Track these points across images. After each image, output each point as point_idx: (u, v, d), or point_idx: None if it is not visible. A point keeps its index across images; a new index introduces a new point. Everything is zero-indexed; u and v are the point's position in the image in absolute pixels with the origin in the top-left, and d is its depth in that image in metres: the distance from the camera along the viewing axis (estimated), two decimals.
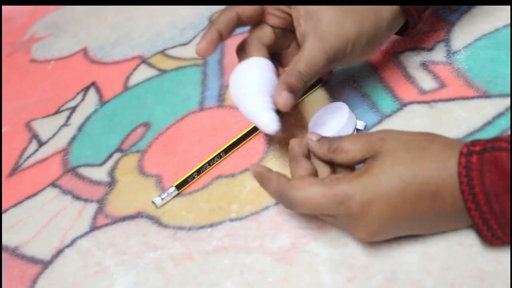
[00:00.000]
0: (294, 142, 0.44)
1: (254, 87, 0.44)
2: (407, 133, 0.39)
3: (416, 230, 0.39)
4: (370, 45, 0.46)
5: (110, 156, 0.60)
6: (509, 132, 0.45)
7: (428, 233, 0.40)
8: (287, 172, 0.43)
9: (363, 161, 0.40)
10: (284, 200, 0.40)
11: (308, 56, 0.44)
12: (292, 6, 0.47)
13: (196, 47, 0.46)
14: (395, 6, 0.46)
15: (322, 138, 0.43)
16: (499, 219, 0.35)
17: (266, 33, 0.48)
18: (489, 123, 0.46)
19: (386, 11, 0.46)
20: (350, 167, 0.42)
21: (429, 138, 0.38)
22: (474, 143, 0.36)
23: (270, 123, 0.42)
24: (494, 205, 0.34)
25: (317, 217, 0.44)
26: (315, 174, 0.42)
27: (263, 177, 0.42)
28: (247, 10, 0.47)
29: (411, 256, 0.40)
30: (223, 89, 0.62)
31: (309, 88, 0.56)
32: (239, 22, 0.47)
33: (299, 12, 0.46)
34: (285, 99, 0.43)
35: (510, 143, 0.34)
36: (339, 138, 0.41)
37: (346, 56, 0.45)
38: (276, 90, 0.43)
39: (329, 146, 0.41)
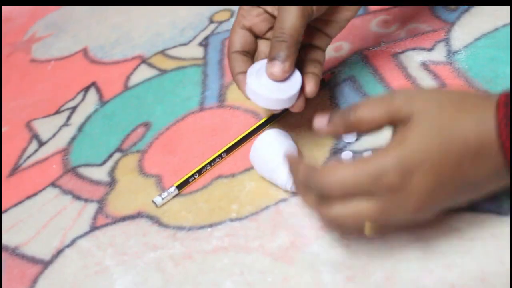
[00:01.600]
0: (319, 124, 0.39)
1: (279, 158, 0.45)
2: (434, 90, 0.36)
3: (461, 197, 0.36)
4: None
5: (110, 156, 0.60)
6: None
7: (470, 200, 0.37)
8: None
9: (390, 124, 0.36)
10: (314, 188, 0.36)
11: (280, 17, 0.43)
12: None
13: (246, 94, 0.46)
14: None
15: (332, 116, 0.38)
16: None
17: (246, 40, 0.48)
18: None
19: None
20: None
21: (462, 93, 0.35)
22: (509, 94, 0.34)
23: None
24: None
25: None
26: None
27: (291, 166, 0.39)
28: (241, 42, 0.47)
29: (412, 256, 0.40)
30: (223, 89, 0.62)
31: None
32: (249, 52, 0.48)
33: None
34: (277, 69, 0.43)
35: None
36: (353, 108, 0.37)
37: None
38: (267, 64, 0.43)
39: (345, 121, 0.37)
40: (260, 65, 0.45)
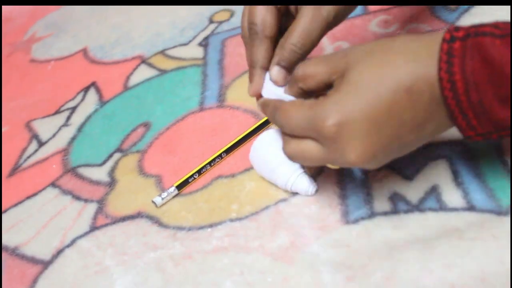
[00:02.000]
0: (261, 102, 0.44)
1: (279, 159, 0.45)
2: (371, 41, 0.37)
3: (405, 140, 0.36)
4: None
5: (110, 156, 0.60)
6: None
7: (417, 142, 0.37)
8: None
9: (332, 83, 0.38)
10: (278, 125, 0.41)
11: (302, 24, 0.42)
12: None
13: (250, 90, 0.45)
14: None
15: (281, 69, 0.42)
16: (476, 108, 0.33)
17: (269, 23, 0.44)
18: None
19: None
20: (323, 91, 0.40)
21: (393, 38, 0.36)
22: (457, 28, 0.34)
23: (308, 188, 0.46)
24: (472, 94, 0.33)
25: (317, 217, 0.44)
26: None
27: (263, 104, 0.43)
28: (274, 27, 0.43)
29: (412, 256, 0.40)
30: (223, 89, 0.62)
31: None
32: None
33: None
34: (275, 74, 0.43)
35: (496, 27, 0.33)
36: (302, 64, 0.40)
37: (345, 15, 0.44)
38: (273, 68, 0.43)
39: (294, 75, 0.40)
40: None
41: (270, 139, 0.48)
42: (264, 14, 0.43)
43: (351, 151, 0.35)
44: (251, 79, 0.45)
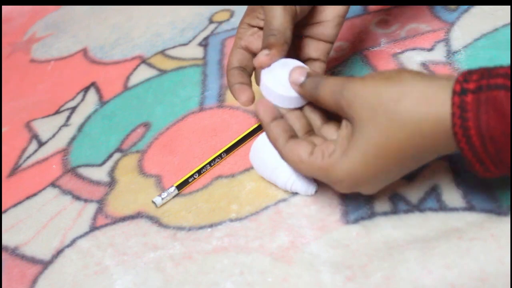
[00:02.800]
0: (259, 108, 0.43)
1: (279, 159, 0.44)
2: (374, 91, 0.37)
3: (406, 171, 0.39)
4: None
5: (110, 156, 0.60)
6: None
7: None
8: None
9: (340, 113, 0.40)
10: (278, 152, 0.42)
11: (273, 13, 0.44)
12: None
13: (242, 101, 0.46)
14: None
15: (308, 80, 0.42)
16: (493, 157, 0.34)
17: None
18: None
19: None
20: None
21: (398, 97, 0.35)
22: (467, 78, 0.34)
23: (307, 188, 0.46)
24: (489, 146, 0.33)
25: (317, 217, 0.44)
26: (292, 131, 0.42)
27: (265, 128, 0.43)
28: (255, 42, 0.47)
29: (411, 256, 0.40)
30: (223, 89, 0.62)
31: None
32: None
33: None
34: (263, 56, 0.43)
35: (509, 78, 0.32)
36: (322, 83, 0.40)
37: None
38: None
39: (312, 92, 0.41)
40: (275, 65, 0.45)
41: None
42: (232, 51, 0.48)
43: (364, 191, 0.40)
44: (240, 91, 0.46)
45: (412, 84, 0.35)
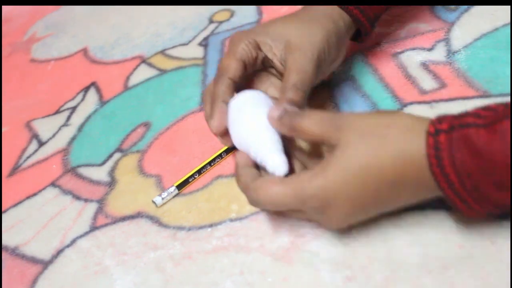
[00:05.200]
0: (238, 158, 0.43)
1: (259, 125, 0.42)
2: (365, 119, 0.38)
3: (384, 210, 0.40)
4: (337, 46, 0.48)
5: (110, 156, 0.60)
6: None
7: (396, 209, 0.40)
8: None
9: (323, 143, 0.40)
10: (249, 198, 0.41)
11: (295, 67, 0.45)
12: (260, 42, 0.48)
13: (212, 126, 0.46)
14: (347, 16, 0.48)
15: (285, 114, 0.41)
16: (473, 194, 0.34)
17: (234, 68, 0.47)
18: None
19: (341, 21, 0.48)
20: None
21: (389, 123, 0.37)
22: (440, 119, 0.35)
23: (279, 166, 0.40)
24: (467, 183, 0.34)
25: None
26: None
27: (236, 170, 0.43)
28: (238, 72, 0.47)
29: (411, 255, 0.40)
30: None
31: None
32: (236, 85, 0.47)
33: (267, 44, 0.47)
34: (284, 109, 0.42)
35: (476, 117, 0.34)
36: (300, 116, 0.40)
37: (326, 58, 0.47)
38: (275, 107, 0.42)
39: (290, 125, 0.40)
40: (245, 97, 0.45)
41: (255, 100, 0.44)
42: (229, 61, 0.47)
43: (333, 222, 0.40)
44: (212, 115, 0.46)
45: (403, 116, 0.37)
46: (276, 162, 0.40)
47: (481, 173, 0.33)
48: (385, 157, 0.36)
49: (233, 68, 0.46)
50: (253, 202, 0.41)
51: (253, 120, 0.43)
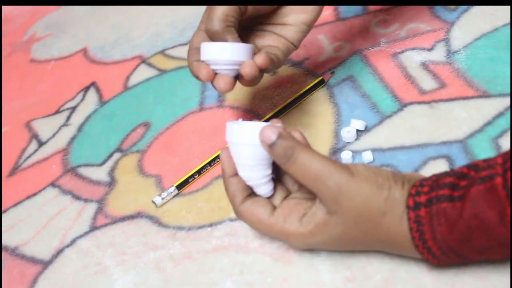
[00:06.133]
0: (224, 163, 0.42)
1: (253, 161, 0.41)
2: (363, 197, 0.36)
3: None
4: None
5: (110, 156, 0.60)
6: (509, 132, 0.45)
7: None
8: None
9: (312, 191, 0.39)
10: (235, 213, 0.43)
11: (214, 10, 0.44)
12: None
13: (202, 77, 0.45)
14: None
15: (279, 142, 0.38)
16: (457, 260, 0.36)
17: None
18: (489, 123, 0.47)
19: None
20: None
21: (386, 210, 0.36)
22: (418, 191, 0.36)
23: (265, 194, 0.42)
24: (450, 254, 0.35)
25: None
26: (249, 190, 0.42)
27: (223, 179, 0.43)
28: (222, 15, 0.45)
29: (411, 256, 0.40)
30: None
31: (311, 89, 0.56)
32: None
33: None
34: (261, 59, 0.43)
35: (452, 188, 0.34)
36: (293, 152, 0.38)
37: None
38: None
39: (283, 155, 0.38)
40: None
41: (253, 135, 0.41)
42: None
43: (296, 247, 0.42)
44: (199, 67, 0.45)
45: (399, 201, 0.36)
46: (262, 193, 0.42)
47: (460, 244, 0.34)
48: (374, 239, 0.38)
49: (194, 40, 0.48)
50: (237, 216, 0.43)
51: (241, 155, 0.41)
